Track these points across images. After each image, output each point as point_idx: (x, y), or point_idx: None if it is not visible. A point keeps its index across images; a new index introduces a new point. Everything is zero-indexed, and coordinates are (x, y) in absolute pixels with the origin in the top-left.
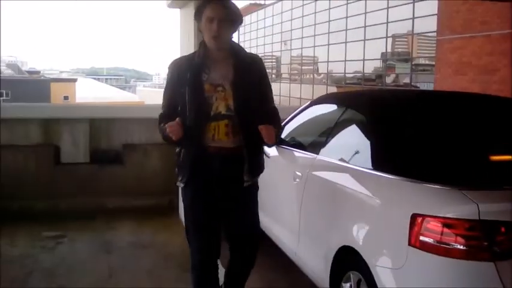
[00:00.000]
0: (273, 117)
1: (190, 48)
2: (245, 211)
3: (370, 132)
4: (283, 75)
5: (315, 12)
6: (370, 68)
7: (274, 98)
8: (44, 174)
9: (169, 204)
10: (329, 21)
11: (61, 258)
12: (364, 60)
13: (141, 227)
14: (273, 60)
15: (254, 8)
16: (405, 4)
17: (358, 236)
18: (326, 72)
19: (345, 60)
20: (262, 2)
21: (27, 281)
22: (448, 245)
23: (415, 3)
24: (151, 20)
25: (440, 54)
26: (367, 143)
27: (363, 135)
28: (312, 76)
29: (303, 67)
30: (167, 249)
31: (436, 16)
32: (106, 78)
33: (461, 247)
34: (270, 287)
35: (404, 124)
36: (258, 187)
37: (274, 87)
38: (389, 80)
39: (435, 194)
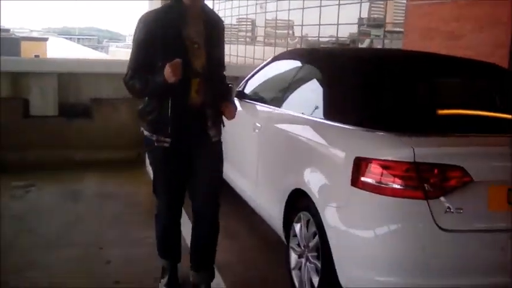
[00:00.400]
0: (227, 91)
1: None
2: (211, 168)
3: (324, 86)
4: (258, 39)
5: None
6: (346, 33)
7: (250, 60)
8: (13, 127)
9: (137, 157)
10: None
11: (30, 205)
12: (338, 24)
13: (108, 179)
14: (248, 23)
15: None
16: None
17: (308, 179)
18: (300, 35)
19: (319, 24)
20: None
21: None
22: (387, 184)
23: None
24: None
25: (410, 19)
26: (321, 95)
27: (317, 89)
28: (286, 40)
29: (277, 31)
30: (133, 198)
31: None
32: (78, 38)
33: (398, 186)
34: (233, 235)
35: (353, 78)
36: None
37: (249, 50)
38: (364, 45)
39: (376, 140)
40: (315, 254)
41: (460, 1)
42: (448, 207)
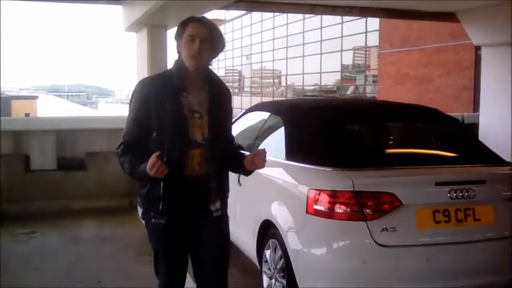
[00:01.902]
0: (237, 155)
1: (144, 68)
2: (215, 245)
3: (285, 133)
4: (245, 89)
5: (273, 28)
6: (332, 80)
7: (238, 111)
8: (15, 180)
9: (129, 205)
10: (287, 36)
11: (34, 248)
12: (321, 73)
13: (103, 224)
14: (235, 74)
15: (215, 23)
16: (358, 19)
17: (274, 211)
18: (285, 85)
19: (303, 74)
20: (223, 18)
21: (7, 265)
22: (333, 210)
23: (367, 19)
24: (113, 37)
25: (382, 66)
26: (283, 141)
27: (280, 135)
28: (272, 89)
29: (264, 80)
30: (126, 239)
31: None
32: (67, 95)
33: (342, 211)
34: None
35: (308, 126)
36: (228, 217)
37: (237, 100)
38: (349, 91)
39: (324, 174)
40: (282, 274)
41: (427, 49)
42: (384, 227)
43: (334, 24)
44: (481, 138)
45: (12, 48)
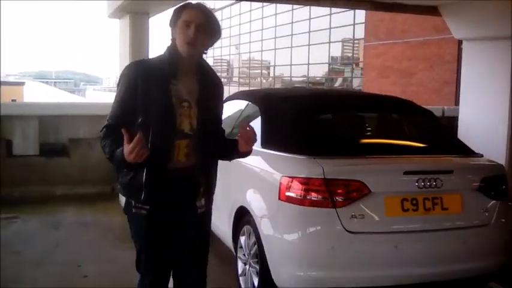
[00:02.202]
0: (228, 145)
1: (126, 55)
2: (196, 242)
3: (261, 121)
4: (234, 79)
5: (262, 18)
6: (321, 72)
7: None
8: None
9: (111, 191)
10: (275, 26)
11: (15, 233)
12: (308, 64)
13: (85, 210)
14: (223, 64)
15: (211, 10)
16: (346, 11)
17: (249, 198)
18: (273, 76)
19: (291, 65)
20: (212, 7)
21: None
22: (304, 197)
23: (356, 11)
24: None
25: (367, 59)
26: (259, 128)
27: (257, 123)
28: (260, 80)
29: (253, 71)
30: (107, 225)
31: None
32: (55, 82)
33: (313, 198)
34: None
35: (283, 114)
36: (211, 214)
37: (225, 90)
38: (337, 83)
39: (296, 162)
40: (256, 259)
41: (411, 42)
42: (353, 214)
43: (323, 16)
44: (460, 130)
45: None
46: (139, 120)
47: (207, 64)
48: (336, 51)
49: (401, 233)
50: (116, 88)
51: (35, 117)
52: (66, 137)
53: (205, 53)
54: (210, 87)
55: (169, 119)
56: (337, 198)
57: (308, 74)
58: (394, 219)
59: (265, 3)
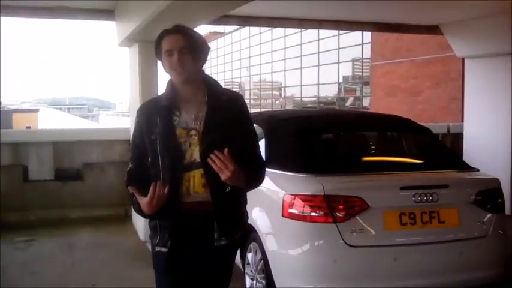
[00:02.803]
0: (250, 162)
1: (136, 83)
2: (214, 281)
3: (265, 141)
4: (245, 101)
5: (271, 40)
6: (332, 91)
7: None
8: (14, 190)
9: (124, 214)
10: (285, 48)
11: (32, 255)
12: (318, 84)
13: (99, 232)
14: (235, 86)
15: (214, 36)
16: (353, 31)
17: (254, 215)
18: (283, 96)
19: (301, 85)
20: (222, 30)
21: (6, 270)
22: (306, 213)
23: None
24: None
25: (374, 78)
26: (263, 148)
27: (262, 143)
28: (271, 101)
29: (264, 92)
30: (120, 246)
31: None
32: (68, 108)
33: (314, 214)
34: None
35: (285, 135)
36: (237, 249)
37: None
38: (348, 102)
39: (299, 180)
40: (262, 275)
41: (416, 60)
42: (353, 229)
43: (331, 36)
44: (465, 147)
45: (14, 63)
46: (149, 160)
47: (215, 82)
48: (347, 70)
49: (400, 246)
50: (128, 114)
51: (50, 143)
52: (80, 161)
53: (203, 71)
54: (220, 105)
55: (176, 153)
56: (337, 213)
57: (318, 94)
58: (392, 232)
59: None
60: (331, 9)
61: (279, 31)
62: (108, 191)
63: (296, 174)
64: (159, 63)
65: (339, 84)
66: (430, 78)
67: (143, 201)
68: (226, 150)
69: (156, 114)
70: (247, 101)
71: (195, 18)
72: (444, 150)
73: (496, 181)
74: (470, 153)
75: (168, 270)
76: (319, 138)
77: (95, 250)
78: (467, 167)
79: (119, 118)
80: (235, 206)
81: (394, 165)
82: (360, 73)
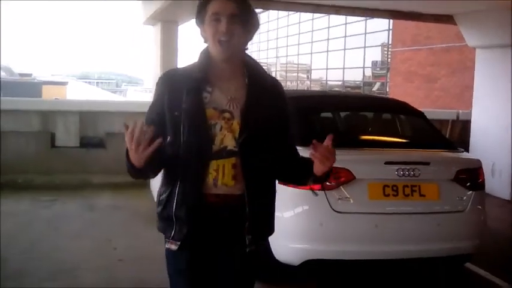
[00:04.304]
0: (292, 153)
1: (157, 61)
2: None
3: None
4: None
5: (299, 22)
6: (360, 76)
7: None
8: (41, 155)
9: (143, 181)
10: (312, 31)
11: (55, 212)
12: (344, 68)
13: (118, 196)
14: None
15: None
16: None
17: None
18: (309, 79)
19: (327, 68)
20: None
21: (32, 225)
22: None
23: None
24: (141, 28)
25: (394, 64)
26: None
27: None
28: (296, 83)
29: (290, 74)
30: (136, 209)
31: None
32: (97, 82)
33: None
34: None
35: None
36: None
37: None
38: (375, 87)
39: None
40: None
41: (434, 48)
42: (340, 196)
43: (358, 21)
44: (472, 133)
45: (44, 36)
46: (168, 139)
47: (255, 62)
48: (375, 55)
49: (381, 214)
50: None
51: (76, 112)
52: (104, 131)
53: (247, 49)
54: (261, 90)
55: (204, 135)
56: (326, 182)
57: (343, 78)
58: (376, 202)
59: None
60: None
61: (307, 14)
62: None
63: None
64: (180, 42)
65: (364, 69)
66: (446, 66)
67: (127, 135)
68: (330, 137)
69: (182, 87)
70: None
71: None
72: (434, 132)
73: (477, 162)
74: (478, 139)
75: (185, 270)
76: (317, 116)
77: (113, 211)
78: (453, 148)
79: (147, 94)
80: (270, 205)
81: (381, 143)
82: (386, 59)
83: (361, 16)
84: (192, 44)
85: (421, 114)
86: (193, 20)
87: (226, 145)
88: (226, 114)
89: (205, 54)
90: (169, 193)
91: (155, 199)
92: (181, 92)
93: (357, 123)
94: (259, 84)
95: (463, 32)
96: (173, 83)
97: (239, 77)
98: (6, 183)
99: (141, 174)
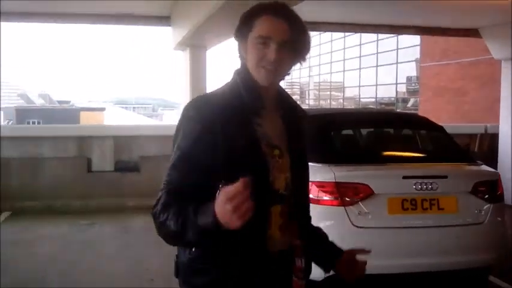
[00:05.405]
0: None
1: (186, 86)
2: None
3: None
4: (309, 101)
5: (331, 40)
6: (392, 92)
7: None
8: (79, 180)
9: None
10: (344, 48)
11: (93, 234)
12: (376, 85)
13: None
14: (295, 87)
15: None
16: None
17: None
18: (342, 97)
19: (359, 86)
20: None
21: (71, 247)
22: (320, 198)
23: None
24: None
25: (423, 79)
26: None
27: None
28: (329, 101)
29: (323, 93)
30: None
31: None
32: (134, 107)
33: (327, 198)
34: None
35: (308, 129)
36: None
37: None
38: (410, 103)
39: (315, 169)
40: None
41: (463, 62)
42: (359, 212)
43: (389, 38)
44: (500, 146)
45: (82, 64)
46: (221, 182)
47: (284, 90)
48: (409, 71)
49: (400, 228)
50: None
51: (111, 137)
52: (138, 155)
53: (289, 74)
54: (297, 123)
55: (264, 177)
56: (346, 198)
57: (376, 94)
58: (395, 216)
59: None
60: (372, 14)
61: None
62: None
63: (313, 164)
64: (208, 67)
65: (397, 85)
66: (475, 80)
67: (227, 195)
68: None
69: (233, 117)
70: (307, 102)
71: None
72: (453, 146)
73: (495, 174)
74: (505, 152)
75: None
76: (338, 133)
77: (147, 233)
78: (471, 161)
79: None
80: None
81: (400, 158)
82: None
83: (387, 33)
84: (217, 66)
85: (440, 129)
86: (221, 44)
87: (278, 188)
88: (277, 151)
89: (247, 77)
90: (226, 258)
91: None
92: (230, 122)
93: (377, 140)
94: (293, 117)
95: (489, 45)
96: (218, 112)
97: (273, 105)
98: (45, 208)
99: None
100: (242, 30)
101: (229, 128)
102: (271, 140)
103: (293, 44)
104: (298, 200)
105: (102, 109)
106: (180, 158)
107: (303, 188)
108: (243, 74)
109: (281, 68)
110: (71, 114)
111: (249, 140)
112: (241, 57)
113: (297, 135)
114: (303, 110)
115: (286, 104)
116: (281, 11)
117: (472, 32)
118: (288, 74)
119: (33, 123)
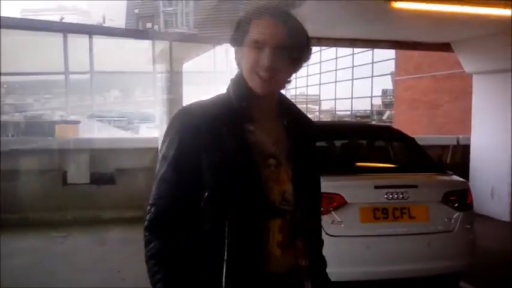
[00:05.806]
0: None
1: (163, 100)
2: None
3: None
4: None
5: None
6: (368, 105)
7: None
8: (54, 192)
9: None
10: (320, 62)
11: (67, 247)
12: (352, 98)
13: (128, 230)
14: None
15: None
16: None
17: None
18: (318, 110)
19: (335, 99)
20: None
21: (44, 260)
22: None
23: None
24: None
25: (398, 92)
26: None
27: None
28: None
29: (300, 105)
30: None
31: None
32: (109, 120)
33: None
34: None
35: None
36: None
37: None
38: (385, 116)
39: None
40: None
41: (437, 76)
42: (333, 220)
43: (364, 51)
44: (472, 158)
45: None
46: (206, 194)
47: (287, 98)
48: (384, 84)
49: (372, 236)
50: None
51: (87, 150)
52: (113, 167)
53: (289, 81)
54: (302, 132)
55: (255, 188)
56: (334, 205)
57: (352, 107)
58: (367, 225)
59: None
60: (347, 28)
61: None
62: (139, 194)
63: None
64: (185, 79)
65: (372, 98)
66: (448, 93)
67: None
68: None
69: (223, 124)
70: None
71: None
72: (424, 157)
73: (465, 183)
74: (477, 163)
75: None
76: (328, 148)
77: (123, 245)
78: (441, 171)
79: (159, 130)
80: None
81: (373, 169)
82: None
83: (362, 47)
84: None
85: (412, 141)
86: (198, 58)
87: (273, 200)
88: (272, 161)
89: (242, 83)
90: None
91: None
92: (219, 129)
93: (351, 151)
94: (297, 126)
95: (460, 59)
96: (207, 119)
97: (273, 113)
98: (21, 221)
99: None
100: (239, 35)
101: (217, 136)
102: (266, 149)
103: (291, 49)
104: (304, 216)
105: (78, 122)
106: (168, 169)
107: (310, 203)
108: (237, 82)
109: (276, 75)
110: (45, 127)
111: (237, 147)
112: (238, 64)
113: (303, 146)
114: (309, 119)
115: (289, 113)
116: (277, 15)
117: (444, 46)
118: (289, 82)
119: (7, 136)
